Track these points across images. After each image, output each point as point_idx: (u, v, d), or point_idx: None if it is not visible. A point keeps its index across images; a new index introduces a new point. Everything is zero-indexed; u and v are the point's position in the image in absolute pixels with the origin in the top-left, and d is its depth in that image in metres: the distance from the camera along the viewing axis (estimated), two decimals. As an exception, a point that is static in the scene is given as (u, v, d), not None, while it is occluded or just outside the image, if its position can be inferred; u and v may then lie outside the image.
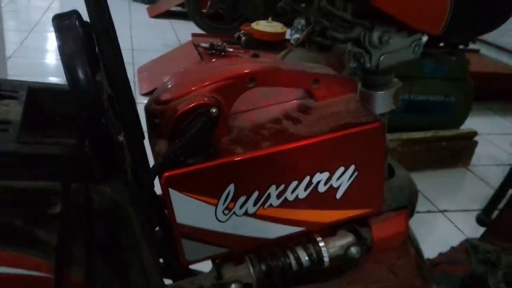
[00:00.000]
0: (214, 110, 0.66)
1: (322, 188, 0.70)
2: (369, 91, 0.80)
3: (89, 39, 0.63)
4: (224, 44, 3.02)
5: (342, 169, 0.70)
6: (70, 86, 0.57)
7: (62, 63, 0.57)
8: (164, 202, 0.66)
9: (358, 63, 0.78)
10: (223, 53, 2.95)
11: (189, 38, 3.27)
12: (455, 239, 1.20)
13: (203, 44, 2.99)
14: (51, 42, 3.59)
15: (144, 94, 2.64)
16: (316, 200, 0.71)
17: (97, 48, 0.64)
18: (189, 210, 0.66)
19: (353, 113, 0.72)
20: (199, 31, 3.68)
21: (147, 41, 3.59)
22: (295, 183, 0.69)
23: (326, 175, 0.70)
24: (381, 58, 0.76)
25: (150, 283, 0.68)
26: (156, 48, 3.34)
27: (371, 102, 0.79)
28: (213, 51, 2.94)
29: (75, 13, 0.63)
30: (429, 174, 2.13)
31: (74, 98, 0.58)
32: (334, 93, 0.75)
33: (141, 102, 2.51)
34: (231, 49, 3.00)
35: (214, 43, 2.98)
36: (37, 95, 0.73)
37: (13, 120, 0.63)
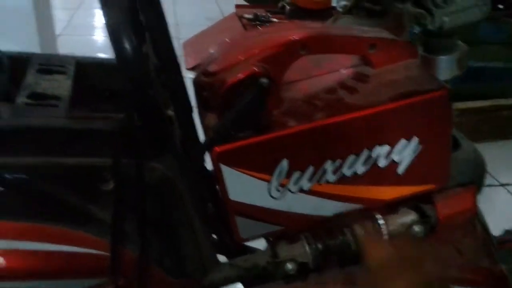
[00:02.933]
0: (265, 80, 0.62)
1: (382, 163, 0.66)
2: (431, 56, 0.73)
3: (134, 10, 0.61)
4: (268, 14, 2.95)
5: (404, 141, 0.65)
6: (116, 58, 0.55)
7: (109, 35, 0.55)
8: (216, 177, 0.63)
9: (419, 25, 0.71)
10: (267, 24, 2.88)
11: (232, 10, 3.22)
12: (520, 215, 1.12)
13: (247, 15, 2.93)
14: (98, 18, 3.64)
15: (190, 69, 2.63)
16: (375, 175, 0.66)
17: (142, 19, 0.62)
18: (242, 186, 0.64)
19: (415, 80, 0.66)
20: (242, 2, 3.61)
21: (191, 15, 3.57)
22: (352, 157, 0.65)
23: (386, 148, 0.65)
24: (445, 18, 0.69)
25: (203, 259, 0.67)
26: (200, 22, 3.31)
27: (434, 68, 0.73)
28: (257, 22, 2.88)
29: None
30: (488, 145, 2.01)
31: (121, 71, 0.56)
32: (392, 59, 0.69)
33: (188, 77, 2.50)
34: (275, 19, 2.93)
35: (258, 13, 2.92)
36: (85, 69, 0.72)
37: (63, 95, 0.62)
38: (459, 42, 0.73)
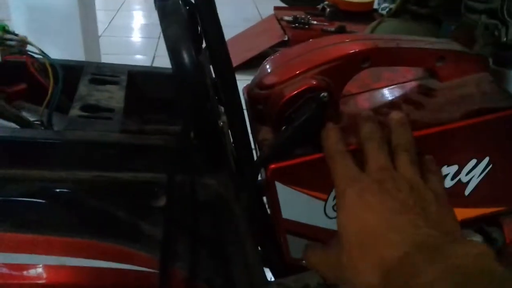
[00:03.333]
0: (324, 94, 0.59)
1: (448, 183, 0.61)
2: (503, 69, 0.68)
3: (192, 19, 0.58)
4: (308, 16, 2.91)
5: (474, 161, 0.60)
6: (174, 71, 0.53)
7: (167, 47, 0.53)
8: (270, 195, 0.60)
9: (492, 36, 0.66)
10: (306, 26, 2.85)
11: (270, 11, 3.20)
12: None
13: (286, 17, 2.90)
14: (137, 20, 3.69)
15: (228, 71, 2.62)
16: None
17: (200, 29, 0.60)
18: (296, 205, 0.60)
19: (488, 96, 0.61)
20: (280, 4, 3.58)
21: (229, 17, 3.56)
22: (417, 177, 0.60)
23: (454, 168, 0.60)
24: None
25: (253, 279, 0.64)
26: (238, 24, 3.30)
27: (506, 82, 0.68)
28: (297, 25, 2.84)
29: (177, -8, 0.58)
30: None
31: (179, 84, 0.53)
32: (462, 72, 0.65)
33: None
34: (315, 22, 2.89)
35: (298, 16, 2.88)
36: (137, 79, 0.70)
37: (116, 107, 0.60)
38: (534, 55, 0.68)
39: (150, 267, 0.58)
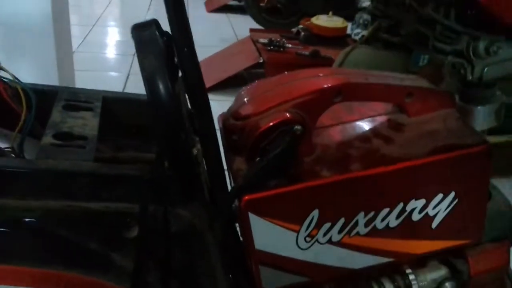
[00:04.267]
0: (298, 128, 0.60)
1: (416, 217, 0.63)
2: (469, 106, 0.71)
3: (168, 50, 0.59)
4: (283, 39, 2.95)
5: (440, 196, 0.62)
6: (150, 101, 0.53)
7: (143, 77, 0.54)
8: (243, 226, 0.61)
9: (458, 74, 0.69)
10: (281, 49, 2.89)
11: (247, 33, 3.23)
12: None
13: (262, 40, 2.93)
14: (112, 36, 3.66)
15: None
16: (408, 229, 0.64)
17: (176, 59, 0.60)
18: (269, 236, 0.61)
19: (454, 132, 0.64)
20: (256, 25, 3.63)
21: (205, 37, 3.59)
22: (386, 210, 0.62)
23: (422, 202, 0.62)
24: (486, 69, 0.67)
25: (224, 311, 0.64)
26: (214, 44, 3.32)
27: (471, 118, 0.70)
28: (272, 47, 2.88)
29: (154, 23, 0.59)
30: (503, 181, 1.97)
31: (154, 114, 0.54)
32: (429, 108, 0.67)
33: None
34: (290, 45, 2.93)
35: (273, 38, 2.92)
36: (111, 105, 0.70)
37: (89, 135, 0.60)
38: (498, 92, 0.71)
39: (121, 299, 0.57)
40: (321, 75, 0.67)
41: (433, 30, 0.64)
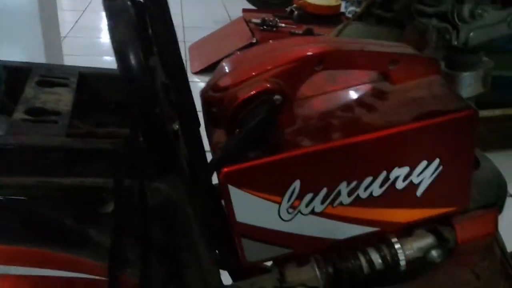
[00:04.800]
0: (278, 97, 0.59)
1: (400, 185, 0.62)
2: (454, 72, 0.69)
3: (141, 21, 0.57)
4: (276, 19, 2.92)
5: (425, 163, 0.61)
6: (121, 74, 0.51)
7: (113, 48, 0.52)
8: (223, 199, 0.60)
9: (443, 40, 0.67)
10: (274, 29, 2.85)
11: (240, 13, 3.19)
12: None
13: (255, 20, 2.90)
14: (104, 21, 3.62)
15: (196, 73, 2.60)
16: (392, 197, 0.63)
17: (150, 31, 0.58)
18: (250, 208, 0.60)
19: (439, 99, 0.62)
20: (249, 6, 3.58)
21: (197, 18, 3.55)
22: (369, 179, 0.61)
23: (406, 170, 0.61)
24: (471, 34, 0.65)
25: (207, 285, 0.63)
26: (207, 25, 3.28)
27: (457, 85, 0.69)
28: (265, 27, 2.85)
29: (126, -8, 0.57)
30: (497, 155, 1.96)
31: (126, 87, 0.52)
32: (414, 75, 0.66)
33: (193, 81, 2.47)
34: (283, 25, 2.90)
35: (266, 18, 2.89)
36: (88, 80, 0.68)
37: (63, 110, 0.58)
38: (485, 58, 0.70)
39: (99, 275, 0.56)
40: (302, 43, 0.65)
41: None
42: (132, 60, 0.50)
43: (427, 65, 0.67)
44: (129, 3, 0.56)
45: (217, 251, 0.71)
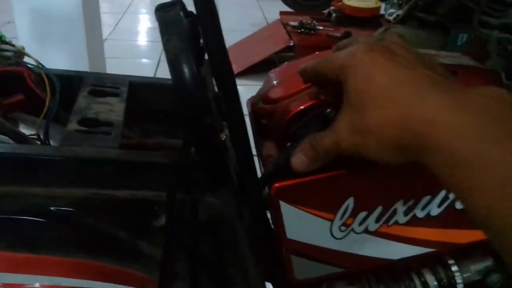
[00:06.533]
0: (330, 111, 0.57)
1: (459, 205, 0.59)
2: (517, 85, 0.65)
3: (194, 31, 0.56)
4: (314, 22, 2.89)
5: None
6: (175, 85, 0.51)
7: (167, 60, 0.51)
8: (274, 215, 0.58)
9: (504, 51, 0.64)
10: (312, 32, 2.82)
11: (276, 16, 3.18)
12: None
13: (292, 23, 2.88)
14: (143, 23, 3.68)
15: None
16: (451, 217, 0.60)
17: (202, 41, 0.57)
18: (301, 224, 0.58)
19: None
20: (286, 8, 3.56)
21: (234, 21, 3.56)
22: (427, 198, 0.58)
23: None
24: None
25: (255, 301, 0.62)
26: (244, 28, 3.28)
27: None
28: (302, 30, 2.82)
29: (178, 3, 0.56)
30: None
31: (179, 99, 0.51)
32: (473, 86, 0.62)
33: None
34: (321, 27, 2.87)
35: (303, 21, 2.86)
36: (138, 90, 0.68)
37: (116, 121, 0.58)
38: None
39: (149, 288, 0.55)
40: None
41: (478, 3, 0.59)
42: (185, 70, 0.50)
43: (487, 77, 0.63)
44: (181, 14, 0.55)
45: (263, 266, 0.69)
